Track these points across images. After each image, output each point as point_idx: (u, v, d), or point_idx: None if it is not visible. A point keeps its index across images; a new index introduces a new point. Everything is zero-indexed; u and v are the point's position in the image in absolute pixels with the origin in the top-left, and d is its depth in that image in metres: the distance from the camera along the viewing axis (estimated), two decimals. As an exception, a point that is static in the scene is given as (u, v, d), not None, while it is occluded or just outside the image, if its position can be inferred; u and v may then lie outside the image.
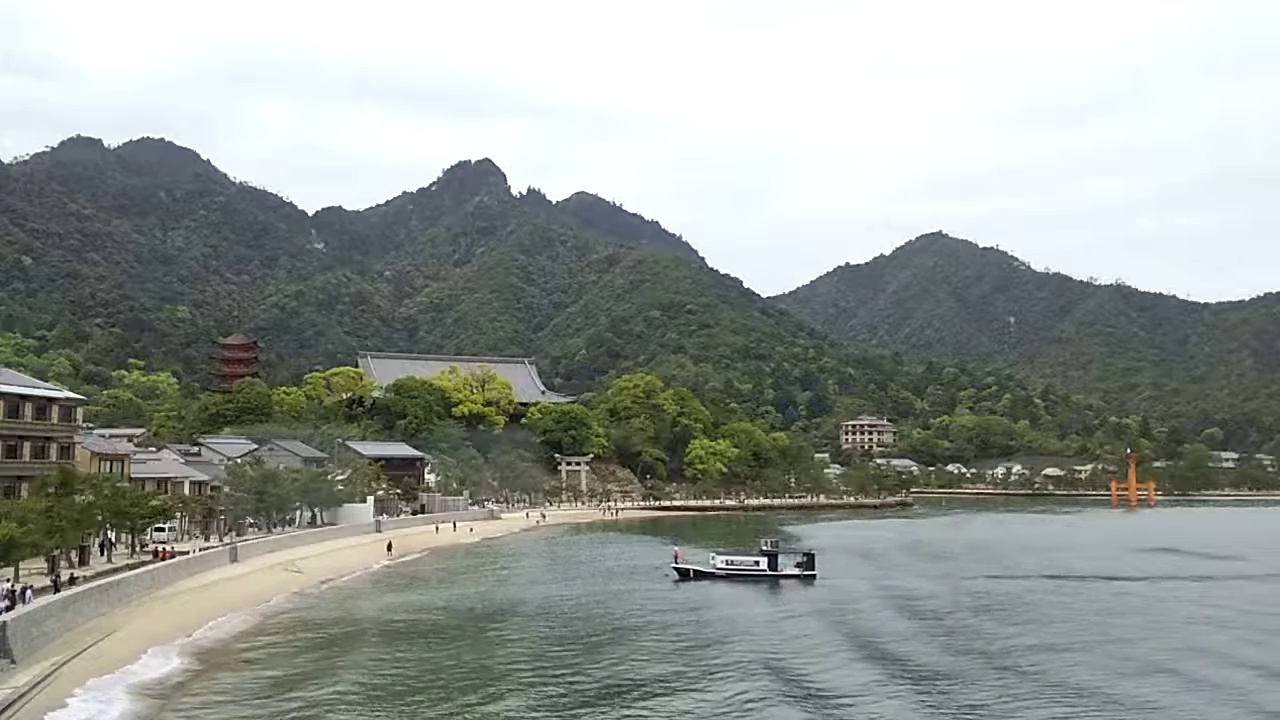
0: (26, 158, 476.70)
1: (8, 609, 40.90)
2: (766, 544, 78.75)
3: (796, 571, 74.38)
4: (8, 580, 48.63)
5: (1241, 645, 48.51)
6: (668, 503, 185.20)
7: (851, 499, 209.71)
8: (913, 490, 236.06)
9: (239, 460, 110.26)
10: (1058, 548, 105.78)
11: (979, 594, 66.70)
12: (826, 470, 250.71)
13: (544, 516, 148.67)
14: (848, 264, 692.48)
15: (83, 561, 63.94)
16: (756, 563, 75.83)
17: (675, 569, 76.66)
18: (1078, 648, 47.41)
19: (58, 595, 46.52)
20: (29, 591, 45.03)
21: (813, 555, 76.70)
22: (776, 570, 74.55)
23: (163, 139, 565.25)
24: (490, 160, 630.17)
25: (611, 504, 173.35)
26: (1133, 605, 62.89)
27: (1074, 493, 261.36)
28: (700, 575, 75.07)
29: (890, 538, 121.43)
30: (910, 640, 49.05)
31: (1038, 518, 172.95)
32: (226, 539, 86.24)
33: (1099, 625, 54.28)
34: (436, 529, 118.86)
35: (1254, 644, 48.89)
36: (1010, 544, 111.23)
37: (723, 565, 75.81)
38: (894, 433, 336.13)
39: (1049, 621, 55.55)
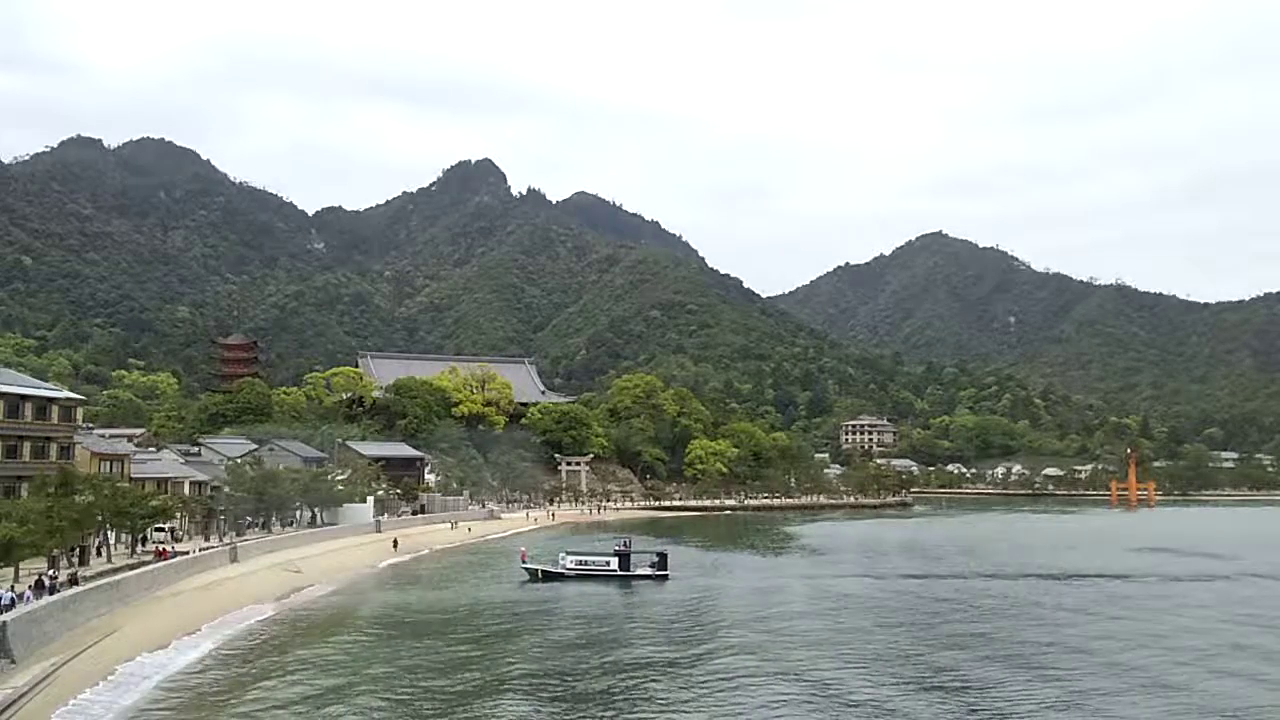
0: (26, 158, 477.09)
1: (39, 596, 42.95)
2: (619, 544, 77.99)
3: (649, 572, 73.47)
4: (48, 573, 50.70)
5: (1113, 643, 47.30)
6: (668, 503, 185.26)
7: (851, 499, 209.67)
8: (913, 490, 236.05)
9: (239, 460, 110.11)
10: (1014, 546, 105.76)
11: (856, 595, 65.41)
12: (826, 470, 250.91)
13: (552, 516, 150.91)
14: (848, 264, 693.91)
15: (83, 561, 63.98)
16: (608, 563, 75.12)
17: (524, 568, 75.36)
18: (921, 643, 46.97)
19: (57, 595, 46.59)
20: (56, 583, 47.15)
21: (665, 555, 75.78)
22: (629, 570, 73.74)
23: (163, 139, 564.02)
24: (490, 160, 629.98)
25: (598, 505, 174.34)
26: (1029, 600, 62.44)
27: (1074, 493, 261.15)
28: (550, 576, 73.69)
29: (859, 534, 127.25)
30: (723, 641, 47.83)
31: (1029, 516, 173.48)
32: (226, 539, 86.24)
33: (958, 622, 53.51)
34: (450, 525, 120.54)
35: (1141, 645, 47.52)
36: (960, 542, 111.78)
37: (573, 565, 74.80)
38: (894, 433, 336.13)
39: (914, 620, 54.79)
